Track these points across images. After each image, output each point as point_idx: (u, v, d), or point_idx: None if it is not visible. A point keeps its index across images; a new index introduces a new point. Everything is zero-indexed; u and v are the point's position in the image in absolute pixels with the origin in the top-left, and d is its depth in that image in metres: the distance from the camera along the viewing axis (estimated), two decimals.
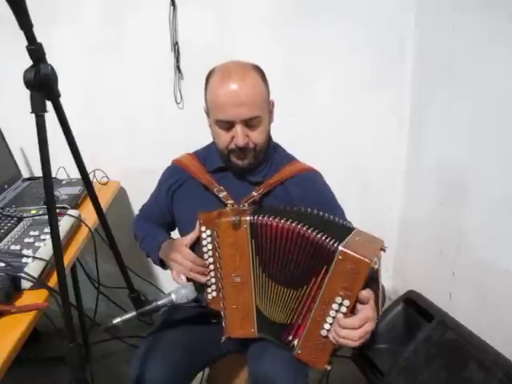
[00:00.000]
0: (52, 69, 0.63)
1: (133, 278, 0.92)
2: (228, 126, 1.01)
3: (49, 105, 0.64)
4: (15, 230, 1.21)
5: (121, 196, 1.95)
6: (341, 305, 0.87)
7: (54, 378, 1.62)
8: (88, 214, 1.37)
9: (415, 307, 1.42)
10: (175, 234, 1.25)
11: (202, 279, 1.02)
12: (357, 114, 1.95)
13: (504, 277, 1.38)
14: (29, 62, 0.61)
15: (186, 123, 1.88)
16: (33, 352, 1.51)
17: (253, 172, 1.10)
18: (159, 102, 1.89)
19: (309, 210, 0.98)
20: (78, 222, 1.32)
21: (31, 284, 0.95)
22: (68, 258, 1.14)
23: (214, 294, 1.03)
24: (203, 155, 1.17)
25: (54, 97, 0.65)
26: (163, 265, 1.13)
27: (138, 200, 1.39)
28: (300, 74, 1.90)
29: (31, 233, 1.18)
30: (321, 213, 0.97)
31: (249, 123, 1.01)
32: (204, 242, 1.00)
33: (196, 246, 1.03)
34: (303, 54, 1.87)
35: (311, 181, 1.12)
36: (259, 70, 1.05)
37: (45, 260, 1.02)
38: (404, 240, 2.11)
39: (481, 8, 1.44)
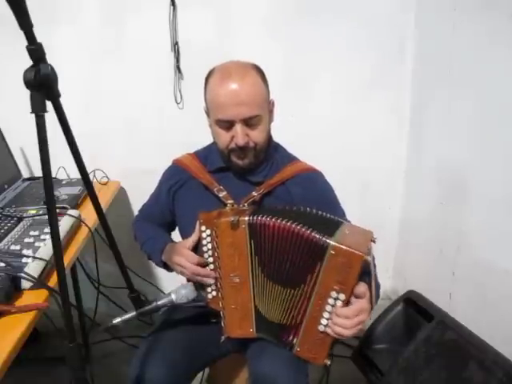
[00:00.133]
0: (52, 69, 0.63)
1: (133, 278, 0.92)
2: (228, 125, 1.01)
3: (49, 105, 0.64)
4: (15, 230, 1.21)
5: (121, 196, 1.95)
6: (336, 299, 0.87)
7: (54, 377, 1.62)
8: (88, 214, 1.37)
9: (415, 307, 1.42)
10: (176, 234, 1.24)
11: (209, 281, 1.02)
12: (357, 114, 1.95)
13: (504, 276, 1.38)
14: (29, 62, 0.61)
15: (186, 123, 1.88)
16: (33, 352, 1.51)
17: (253, 172, 1.10)
18: (159, 101, 1.89)
19: (308, 209, 0.98)
20: (78, 222, 1.32)
21: (31, 284, 0.95)
22: (68, 258, 1.14)
23: (214, 293, 1.03)
24: (204, 155, 1.17)
25: (54, 97, 0.65)
26: (167, 267, 1.13)
27: (137, 200, 1.39)
28: (300, 74, 1.90)
29: (31, 233, 1.18)
30: (319, 212, 0.98)
31: (249, 122, 1.01)
32: (204, 242, 1.00)
33: (197, 247, 1.03)
34: (303, 53, 1.87)
35: (313, 180, 1.12)
36: (259, 70, 1.04)
37: (45, 260, 1.02)
38: (404, 240, 2.12)
39: (481, 8, 1.44)
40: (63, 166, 1.77)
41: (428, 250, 1.83)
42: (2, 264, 0.99)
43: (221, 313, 1.03)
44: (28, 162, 1.93)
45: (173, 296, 0.98)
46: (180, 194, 1.17)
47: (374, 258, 1.05)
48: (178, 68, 1.85)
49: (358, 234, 0.92)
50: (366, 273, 0.89)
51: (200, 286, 1.02)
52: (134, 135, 1.94)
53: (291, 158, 1.16)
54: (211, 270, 1.01)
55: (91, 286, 1.88)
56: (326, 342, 0.91)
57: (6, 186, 1.58)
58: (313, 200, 1.03)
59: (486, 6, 1.41)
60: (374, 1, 1.82)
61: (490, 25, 1.39)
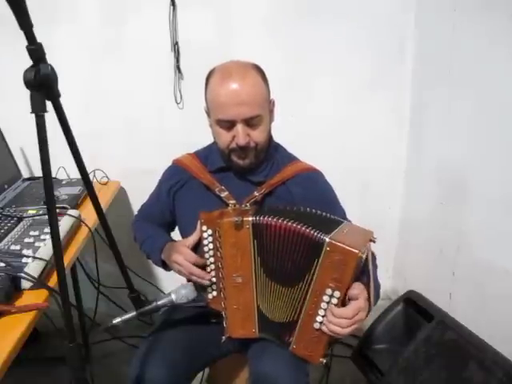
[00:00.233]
0: (52, 69, 0.63)
1: (133, 278, 0.92)
2: (229, 125, 1.01)
3: (49, 105, 0.64)
4: (15, 230, 1.21)
5: (121, 196, 1.95)
6: (331, 296, 0.88)
7: (54, 378, 1.61)
8: (88, 214, 1.37)
9: (415, 307, 1.42)
10: (176, 234, 1.24)
11: (204, 282, 1.02)
12: (357, 113, 1.95)
13: (504, 276, 1.38)
14: (29, 62, 0.61)
15: (186, 123, 1.88)
16: (33, 352, 1.51)
17: (254, 172, 1.10)
18: (159, 101, 1.89)
19: (307, 209, 0.98)
20: (78, 222, 1.32)
21: (31, 284, 0.95)
22: (68, 258, 1.14)
23: (215, 293, 1.03)
24: (204, 155, 1.17)
25: (54, 97, 0.65)
26: (165, 266, 1.13)
27: (138, 200, 1.39)
28: (300, 74, 1.90)
29: (31, 233, 1.18)
30: (320, 212, 0.98)
31: (250, 122, 1.01)
32: (205, 242, 1.00)
33: (197, 247, 1.03)
34: (303, 53, 1.87)
35: (313, 180, 1.13)
36: (259, 70, 1.05)
37: (45, 260, 1.02)
38: (404, 240, 2.12)
39: (481, 8, 1.44)
40: (63, 166, 1.77)
41: (428, 249, 1.83)
42: (2, 264, 0.99)
43: (222, 313, 1.03)
44: (28, 162, 1.93)
45: (173, 296, 0.98)
46: (180, 194, 1.17)
47: (375, 258, 1.05)
48: (177, 68, 1.85)
49: (356, 233, 0.92)
50: (364, 272, 0.90)
51: (200, 286, 1.02)
52: (133, 135, 1.94)
53: (291, 158, 1.16)
54: (212, 270, 1.01)
55: (91, 286, 1.88)
56: (321, 339, 0.91)
57: (6, 186, 1.58)
58: (313, 200, 1.04)
59: (486, 6, 1.41)
60: (374, 1, 1.82)
61: (490, 25, 1.39)
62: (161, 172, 1.24)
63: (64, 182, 1.71)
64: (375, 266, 1.04)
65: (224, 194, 1.07)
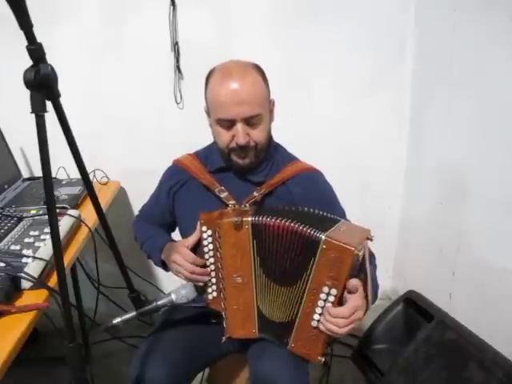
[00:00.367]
0: (52, 69, 0.63)
1: (133, 278, 0.92)
2: (229, 124, 1.01)
3: (49, 105, 0.64)
4: (15, 230, 1.21)
5: (121, 196, 1.95)
6: (328, 294, 0.88)
7: (54, 377, 1.61)
8: (88, 214, 1.37)
9: (415, 307, 1.42)
10: (176, 234, 1.24)
11: (202, 282, 1.02)
12: (357, 113, 1.95)
13: (503, 276, 1.38)
14: (29, 62, 0.61)
15: (186, 123, 1.88)
16: (33, 352, 1.51)
17: (254, 172, 1.10)
18: (159, 102, 1.89)
19: (305, 209, 0.98)
20: (78, 222, 1.32)
21: (31, 284, 0.95)
22: (68, 258, 1.14)
23: (215, 294, 1.03)
24: (204, 155, 1.17)
25: (54, 97, 0.65)
26: (165, 267, 1.13)
27: (138, 200, 1.39)
28: (300, 74, 1.90)
29: (31, 233, 1.18)
30: (319, 211, 0.98)
31: (249, 121, 1.01)
32: (205, 243, 1.00)
33: (197, 247, 1.03)
34: (303, 53, 1.87)
35: (313, 180, 1.13)
36: (259, 69, 1.05)
37: (45, 260, 1.02)
38: (404, 240, 2.12)
39: (481, 8, 1.44)
40: (63, 165, 1.77)
41: (428, 249, 1.83)
42: (2, 264, 0.99)
43: (222, 313, 1.03)
44: (28, 162, 1.93)
45: (173, 296, 0.98)
46: (180, 195, 1.17)
47: (374, 258, 1.05)
48: (178, 68, 1.85)
49: (353, 231, 0.92)
50: (361, 270, 0.90)
51: (200, 287, 1.02)
52: (134, 135, 1.93)
53: (291, 158, 1.16)
54: (212, 270, 1.01)
55: (91, 286, 1.88)
56: (319, 338, 0.92)
57: (6, 186, 1.58)
58: (313, 200, 1.04)
59: (486, 6, 1.41)
60: (374, 1, 1.82)
61: (489, 25, 1.39)
62: (161, 172, 1.24)
63: (64, 182, 1.71)
64: (374, 266, 1.04)
65: (224, 195, 1.07)
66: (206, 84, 1.06)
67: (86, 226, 1.31)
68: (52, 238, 0.68)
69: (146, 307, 0.94)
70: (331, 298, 0.88)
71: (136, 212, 1.35)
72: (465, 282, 1.59)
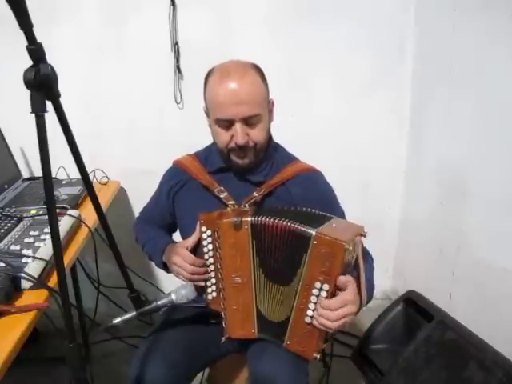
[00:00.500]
0: (52, 69, 0.63)
1: (133, 278, 0.92)
2: (228, 124, 1.01)
3: (49, 105, 0.64)
4: (15, 230, 1.21)
5: (121, 196, 1.95)
6: (321, 289, 0.88)
7: (54, 377, 1.61)
8: (88, 214, 1.37)
9: (415, 307, 1.42)
10: (177, 235, 1.24)
11: (202, 283, 1.02)
12: (357, 113, 1.95)
13: (503, 276, 1.38)
14: (29, 62, 0.61)
15: (186, 123, 1.88)
16: (33, 352, 1.51)
17: (253, 172, 1.10)
18: (159, 101, 1.89)
19: (303, 209, 0.99)
20: (78, 222, 1.32)
21: (31, 284, 0.95)
22: (68, 258, 1.14)
23: (215, 294, 1.03)
24: (204, 156, 1.17)
25: (54, 97, 0.65)
26: (167, 268, 1.13)
27: (138, 200, 1.39)
28: (300, 74, 1.90)
29: (31, 233, 1.18)
30: (317, 211, 0.98)
31: (248, 121, 1.01)
32: (205, 243, 1.00)
33: (197, 248, 1.03)
34: (303, 53, 1.87)
35: (313, 180, 1.13)
36: (258, 69, 1.04)
37: (45, 260, 1.02)
38: (404, 240, 2.12)
39: (481, 8, 1.44)
40: (63, 165, 1.77)
41: (428, 249, 1.83)
42: (2, 264, 0.99)
43: (222, 313, 1.03)
44: (28, 162, 1.93)
45: (173, 296, 0.98)
46: (180, 195, 1.17)
47: (372, 259, 1.05)
48: (177, 68, 1.85)
49: (345, 227, 0.93)
50: (355, 266, 0.90)
51: (200, 287, 1.02)
52: (134, 135, 1.94)
53: (291, 158, 1.16)
54: (212, 270, 1.01)
55: (91, 286, 1.88)
56: (313, 334, 0.92)
57: (6, 186, 1.58)
58: (313, 200, 1.04)
59: (486, 6, 1.41)
60: (374, 1, 1.82)
61: (489, 25, 1.39)
62: (161, 172, 1.24)
63: (64, 182, 1.71)
64: (370, 265, 1.04)
65: (223, 195, 1.07)
66: (205, 84, 1.06)
67: (86, 226, 1.31)
68: (52, 238, 0.68)
69: (146, 307, 0.94)
70: (323, 294, 0.88)
71: (136, 212, 1.35)
72: (465, 282, 1.59)
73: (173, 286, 1.02)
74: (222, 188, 1.08)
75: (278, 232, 0.92)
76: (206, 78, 1.05)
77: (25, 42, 0.59)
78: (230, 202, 1.05)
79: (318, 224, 0.90)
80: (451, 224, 1.66)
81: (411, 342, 1.29)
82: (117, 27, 1.81)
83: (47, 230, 1.18)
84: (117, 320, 0.93)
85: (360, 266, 0.90)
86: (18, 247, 1.09)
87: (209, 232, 0.99)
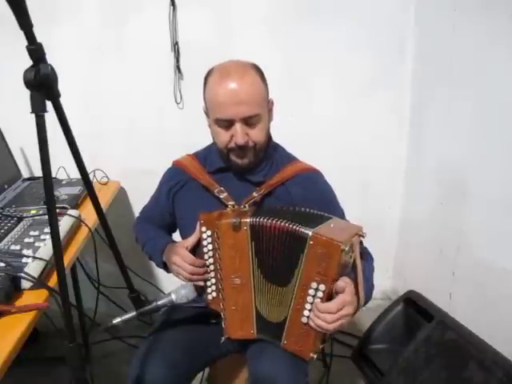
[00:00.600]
0: (52, 69, 0.63)
1: (133, 278, 0.92)
2: (227, 124, 1.01)
3: (49, 105, 0.64)
4: (15, 230, 1.21)
5: (121, 196, 1.95)
6: (317, 290, 0.88)
7: (54, 377, 1.61)
8: (88, 214, 1.37)
9: (415, 307, 1.42)
10: (177, 235, 1.24)
11: (201, 283, 1.02)
12: (357, 113, 1.95)
13: (504, 276, 1.38)
14: (29, 62, 0.61)
15: (185, 123, 1.88)
16: (33, 352, 1.51)
17: (253, 172, 1.10)
18: (159, 101, 1.89)
19: (302, 209, 0.99)
20: (78, 222, 1.32)
21: (31, 284, 0.95)
22: (68, 258, 1.14)
23: (214, 294, 1.03)
24: (203, 156, 1.17)
25: (54, 97, 0.65)
26: (167, 268, 1.13)
27: (138, 200, 1.39)
28: (300, 74, 1.90)
29: (31, 233, 1.18)
30: (316, 211, 0.98)
31: (248, 121, 1.01)
32: (204, 243, 1.00)
33: (197, 248, 1.03)
34: (303, 53, 1.87)
35: (313, 180, 1.13)
36: (258, 69, 1.05)
37: (45, 260, 1.02)
38: (404, 240, 2.12)
39: (481, 8, 1.44)
40: (63, 166, 1.77)
41: (428, 249, 1.83)
42: (2, 264, 0.99)
43: (221, 314, 1.03)
44: (28, 162, 1.93)
45: (173, 296, 0.98)
46: (180, 195, 1.17)
47: (372, 259, 1.05)
48: (177, 68, 1.85)
49: (343, 228, 0.93)
50: (353, 267, 0.90)
51: (200, 287, 1.02)
52: (134, 135, 1.94)
53: (291, 158, 1.16)
54: (211, 271, 1.01)
55: (91, 286, 1.88)
56: (310, 334, 0.92)
57: (6, 186, 1.58)
58: (313, 200, 1.04)
59: (486, 6, 1.41)
60: (374, 1, 1.82)
61: (489, 25, 1.39)
62: (161, 172, 1.24)
63: (64, 182, 1.71)
64: (370, 265, 1.04)
65: (223, 196, 1.07)
66: (205, 84, 1.06)
67: (86, 226, 1.31)
68: (52, 238, 0.68)
69: (146, 307, 0.94)
70: (320, 294, 0.88)
71: (136, 212, 1.35)
72: (465, 282, 1.59)
73: (173, 286, 1.02)
74: (222, 188, 1.08)
75: (276, 233, 0.92)
76: (206, 78, 1.05)
77: (25, 42, 0.59)
78: (230, 203, 1.05)
79: (315, 224, 0.90)
80: (451, 224, 1.66)
81: (411, 341, 1.29)
82: (117, 27, 1.81)
83: (47, 230, 1.18)
84: (117, 320, 0.93)
85: (358, 266, 0.90)
86: (18, 247, 1.09)
87: (209, 232, 0.99)
